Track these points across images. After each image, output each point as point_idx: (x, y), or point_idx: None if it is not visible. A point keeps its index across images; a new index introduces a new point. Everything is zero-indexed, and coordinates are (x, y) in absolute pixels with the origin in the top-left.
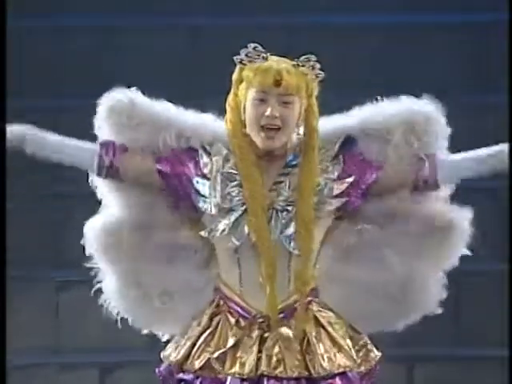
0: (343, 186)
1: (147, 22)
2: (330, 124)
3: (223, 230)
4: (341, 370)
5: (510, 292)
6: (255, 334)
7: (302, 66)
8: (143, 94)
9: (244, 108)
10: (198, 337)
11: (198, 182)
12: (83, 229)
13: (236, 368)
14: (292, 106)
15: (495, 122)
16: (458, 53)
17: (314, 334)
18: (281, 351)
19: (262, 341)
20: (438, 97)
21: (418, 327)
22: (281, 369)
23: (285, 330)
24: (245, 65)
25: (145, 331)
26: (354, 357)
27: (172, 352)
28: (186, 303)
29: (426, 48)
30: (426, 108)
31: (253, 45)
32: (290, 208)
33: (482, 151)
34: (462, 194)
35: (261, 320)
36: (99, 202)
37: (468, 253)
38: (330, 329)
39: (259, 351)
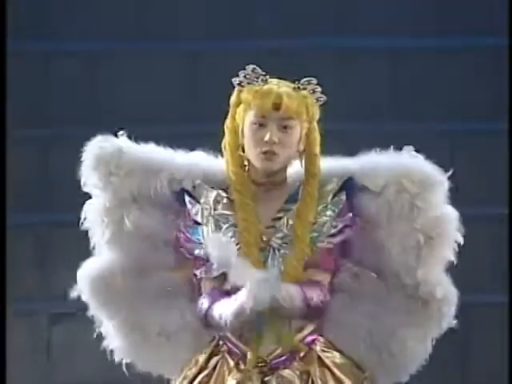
0: (340, 225)
1: (145, 47)
2: (330, 165)
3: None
4: None
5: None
6: (256, 377)
7: (303, 88)
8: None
9: (242, 131)
10: (194, 378)
11: (190, 231)
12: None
13: None
14: (292, 130)
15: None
16: (463, 76)
17: (318, 374)
18: None
19: None
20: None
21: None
22: None
23: (288, 374)
24: (243, 87)
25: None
26: None
27: None
28: (184, 344)
29: (432, 71)
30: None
31: (251, 66)
32: (286, 245)
33: None
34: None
35: (261, 364)
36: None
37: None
38: (335, 369)
39: None
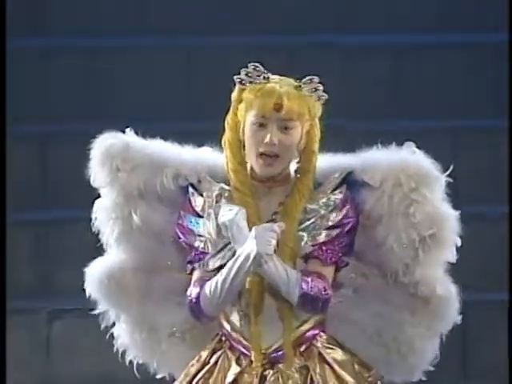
0: (340, 217)
1: (145, 42)
2: (331, 161)
3: (220, 265)
4: None
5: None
6: (255, 371)
7: (305, 87)
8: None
9: (243, 129)
10: (196, 374)
11: (191, 222)
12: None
13: None
14: (293, 131)
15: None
16: (464, 73)
17: (317, 371)
18: None
19: (263, 378)
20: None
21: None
22: None
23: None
24: (245, 85)
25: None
26: None
27: None
28: (195, 343)
29: (432, 68)
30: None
31: (253, 64)
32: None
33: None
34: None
35: (261, 358)
36: (95, 233)
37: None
38: (335, 366)
39: None
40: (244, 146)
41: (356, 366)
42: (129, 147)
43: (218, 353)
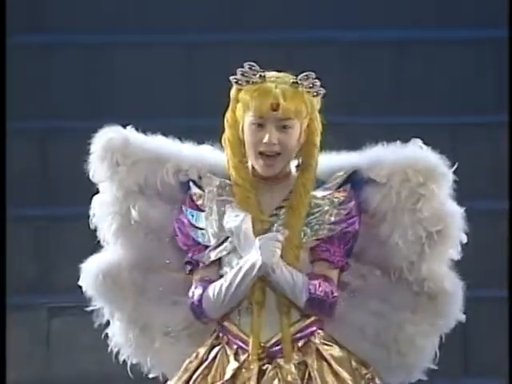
0: (341, 213)
1: (145, 39)
2: (335, 160)
3: (220, 257)
4: None
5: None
6: (253, 366)
7: (301, 84)
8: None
9: (242, 128)
10: (195, 370)
11: (193, 216)
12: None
13: None
14: (291, 129)
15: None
16: (464, 68)
17: (315, 367)
18: None
19: (261, 373)
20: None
21: None
22: None
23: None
24: (241, 85)
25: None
26: None
27: None
28: (191, 342)
29: (432, 63)
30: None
31: (249, 64)
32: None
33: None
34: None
35: (260, 350)
36: (94, 230)
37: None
38: (332, 362)
39: None
40: (244, 144)
41: (353, 363)
42: (129, 142)
43: (216, 349)
